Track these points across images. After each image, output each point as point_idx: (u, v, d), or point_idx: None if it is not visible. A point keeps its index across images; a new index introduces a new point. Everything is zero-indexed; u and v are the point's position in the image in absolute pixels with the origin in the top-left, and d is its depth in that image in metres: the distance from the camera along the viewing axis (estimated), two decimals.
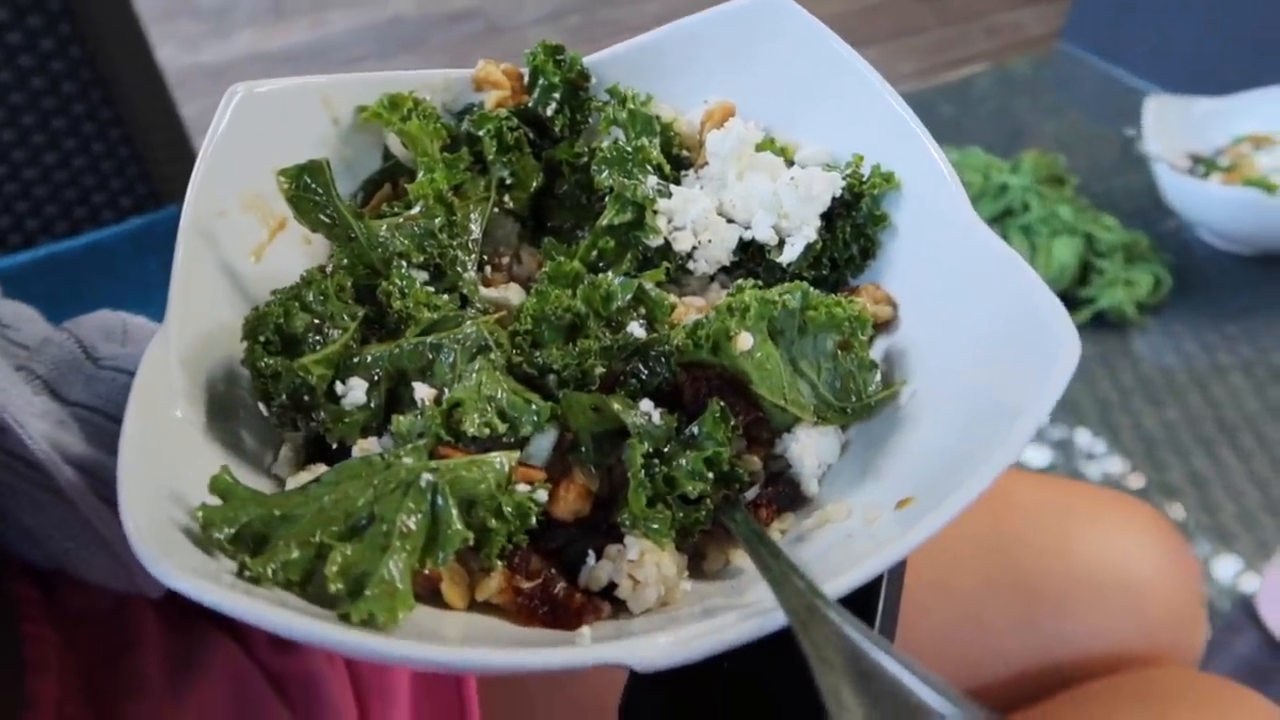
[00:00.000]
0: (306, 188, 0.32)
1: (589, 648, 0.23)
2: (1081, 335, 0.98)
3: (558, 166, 0.39)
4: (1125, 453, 0.90)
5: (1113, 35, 1.92)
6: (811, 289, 0.32)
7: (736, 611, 0.23)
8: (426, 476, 0.25)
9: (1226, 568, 0.82)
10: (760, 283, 0.34)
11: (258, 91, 0.34)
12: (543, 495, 0.27)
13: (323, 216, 0.33)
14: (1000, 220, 1.08)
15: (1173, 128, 1.13)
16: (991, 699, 0.45)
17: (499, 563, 0.27)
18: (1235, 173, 1.08)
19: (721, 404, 0.29)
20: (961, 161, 1.16)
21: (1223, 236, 1.10)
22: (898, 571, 0.28)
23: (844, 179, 0.35)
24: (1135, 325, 1.03)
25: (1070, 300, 1.05)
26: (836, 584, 0.22)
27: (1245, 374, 0.97)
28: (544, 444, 0.29)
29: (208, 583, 0.21)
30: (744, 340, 0.29)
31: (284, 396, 0.28)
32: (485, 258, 0.37)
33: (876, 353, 0.33)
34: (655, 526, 0.27)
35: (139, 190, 1.07)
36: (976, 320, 0.29)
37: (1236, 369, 0.98)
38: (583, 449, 0.29)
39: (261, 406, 0.29)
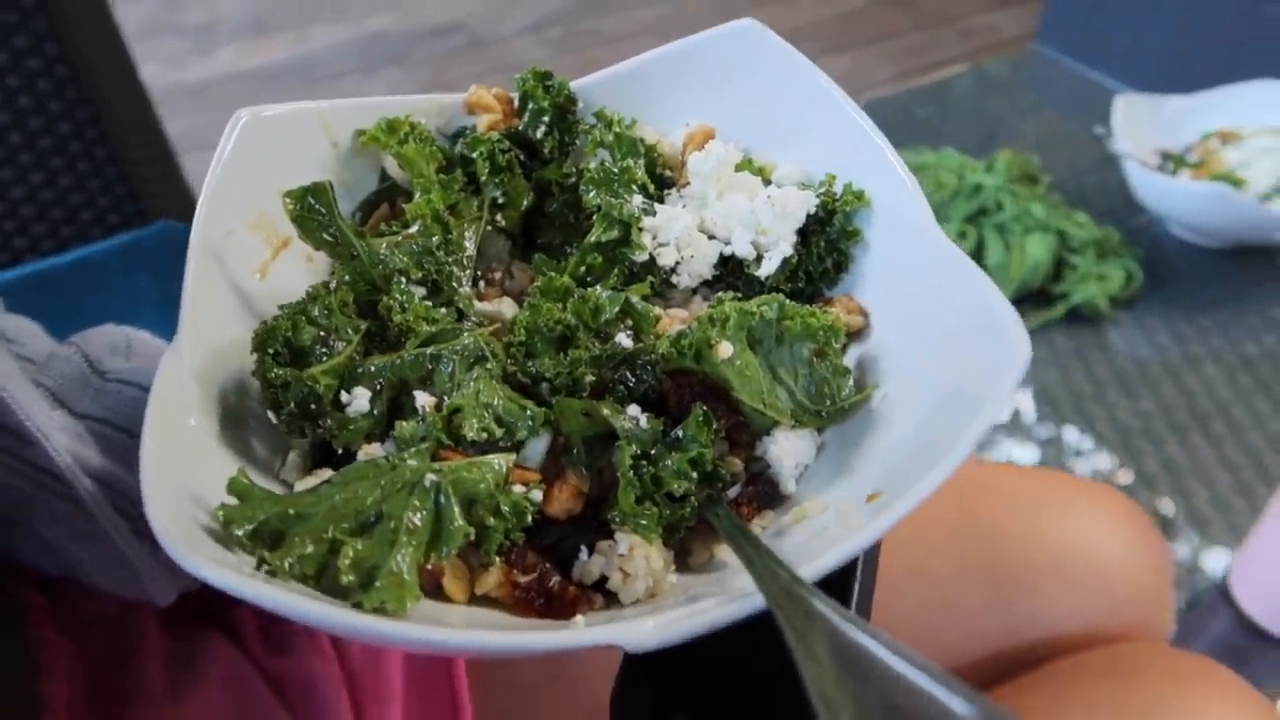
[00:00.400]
0: (310, 208, 0.34)
1: (582, 630, 0.24)
2: (1056, 330, 1.01)
3: (547, 186, 0.41)
4: (1103, 443, 0.93)
5: (1086, 37, 1.97)
6: (788, 301, 0.34)
7: (720, 596, 0.25)
8: (430, 477, 0.27)
9: (1201, 552, 0.85)
10: (740, 295, 0.36)
11: (262, 116, 0.36)
12: (538, 495, 0.29)
13: (326, 235, 0.34)
14: (975, 219, 1.11)
15: (1142, 126, 1.16)
16: (966, 678, 0.47)
17: (497, 558, 0.28)
18: (1204, 168, 1.12)
19: (704, 408, 0.31)
20: (938, 162, 1.19)
21: (1192, 230, 1.13)
22: (872, 557, 0.30)
23: (818, 197, 0.37)
24: (1109, 319, 1.06)
25: (1045, 296, 1.08)
26: (810, 569, 0.24)
27: (1216, 363, 1.00)
28: (538, 447, 0.31)
29: (234, 574, 0.22)
30: (724, 349, 0.31)
31: (293, 405, 0.30)
32: (479, 273, 0.39)
33: (850, 359, 0.35)
34: (644, 522, 0.29)
35: (126, 208, 1.09)
36: (940, 326, 0.31)
37: (1208, 359, 1.01)
38: (575, 451, 0.31)
39: (271, 415, 0.31)
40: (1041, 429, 0.96)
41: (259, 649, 0.45)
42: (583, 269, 0.37)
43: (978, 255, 1.09)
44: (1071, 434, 0.95)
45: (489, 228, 0.40)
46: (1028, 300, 1.07)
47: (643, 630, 0.23)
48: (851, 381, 0.33)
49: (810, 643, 0.21)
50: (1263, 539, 0.75)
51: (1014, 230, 1.09)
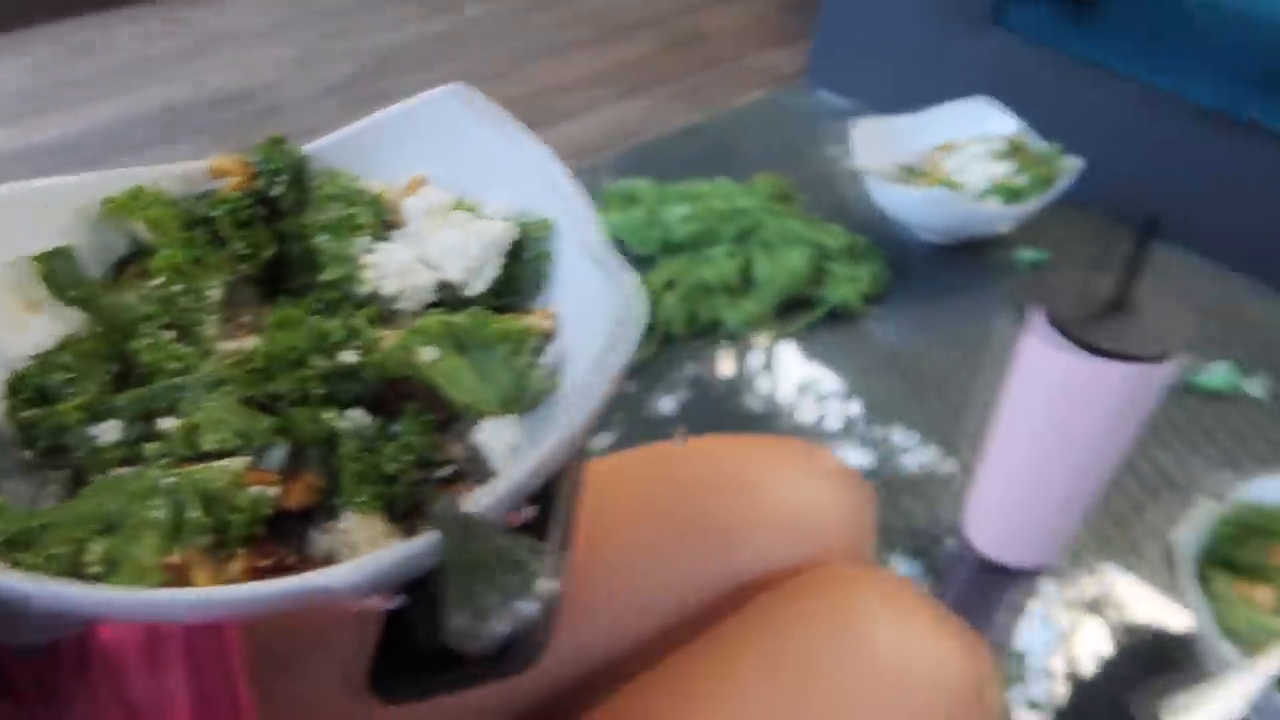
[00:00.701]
0: (58, 269, 0.39)
1: (292, 579, 0.30)
2: (820, 328, 1.18)
3: (287, 236, 0.47)
4: (930, 437, 1.05)
5: (844, 70, 2.19)
6: (488, 312, 0.41)
7: (412, 541, 0.31)
8: (169, 480, 0.32)
9: (948, 507, 0.98)
10: (449, 311, 0.43)
11: (5, 194, 0.40)
12: (274, 491, 0.35)
13: (75, 292, 0.39)
14: (744, 238, 1.24)
15: (881, 144, 1.34)
16: (689, 631, 0.54)
17: (241, 549, 0.34)
18: (930, 177, 1.29)
19: (416, 405, 0.37)
20: (710, 191, 1.32)
21: (926, 230, 1.30)
22: (564, 514, 0.37)
23: (517, 226, 0.45)
24: (863, 315, 1.20)
25: (808, 300, 1.21)
26: (471, 505, 0.31)
27: (952, 344, 1.16)
28: (277, 454, 0.36)
29: None
30: (425, 354, 0.38)
31: (45, 441, 0.34)
32: (227, 318, 0.44)
33: (547, 358, 0.42)
34: (363, 500, 0.35)
35: None
36: (602, 315, 0.39)
37: (947, 341, 1.16)
38: (309, 453, 0.37)
39: (26, 453, 0.35)
40: (872, 430, 1.07)
41: (36, 704, 0.47)
42: (319, 305, 0.43)
43: (747, 270, 1.22)
44: (899, 433, 1.07)
45: (234, 277, 0.45)
46: (794, 305, 1.20)
47: (340, 572, 0.29)
48: (544, 374, 0.41)
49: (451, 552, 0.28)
50: (983, 482, 0.88)
51: (777, 245, 1.22)
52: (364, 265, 0.44)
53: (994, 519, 0.88)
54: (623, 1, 3.03)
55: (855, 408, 1.09)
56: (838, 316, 1.19)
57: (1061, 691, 0.81)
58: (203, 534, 0.32)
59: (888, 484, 1.00)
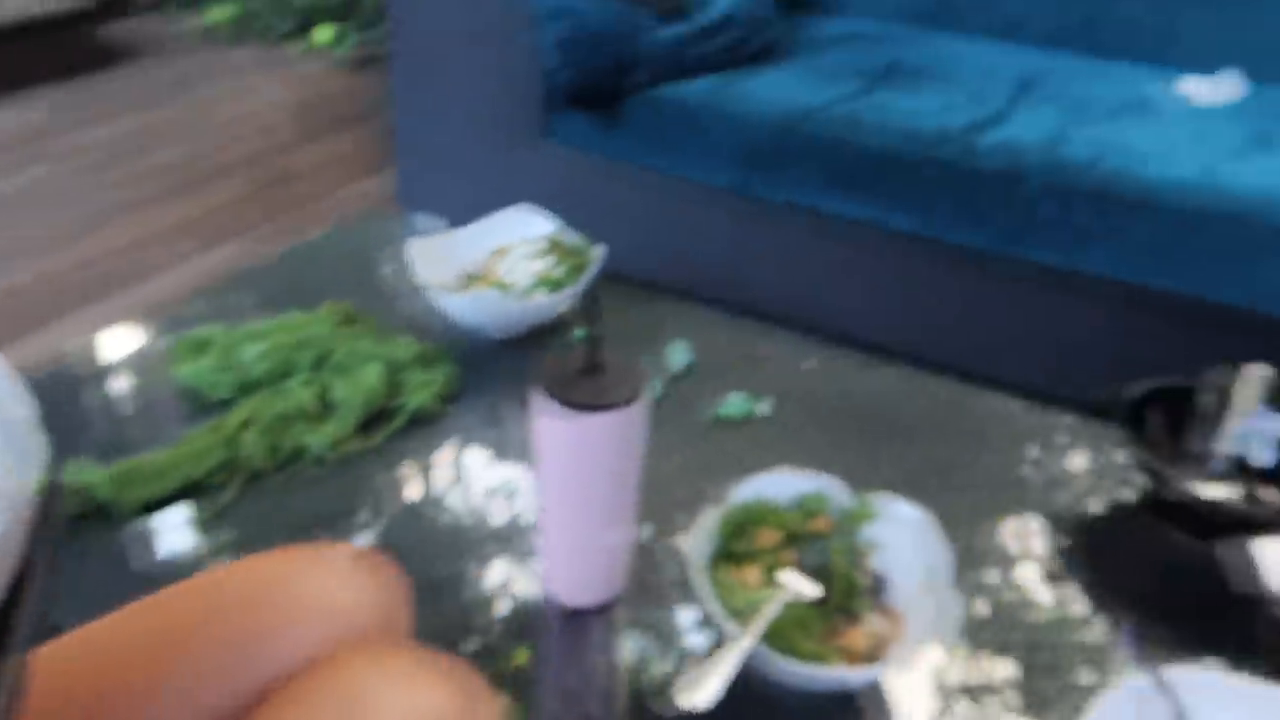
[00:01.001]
0: None
1: None
2: (403, 435, 1.26)
3: None
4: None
5: (428, 191, 2.35)
6: None
7: None
8: None
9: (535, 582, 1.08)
10: None
11: None
12: None
13: None
14: (319, 365, 1.29)
15: (440, 258, 1.46)
16: None
17: None
18: (486, 280, 1.44)
19: None
20: (279, 326, 1.36)
21: (492, 329, 1.44)
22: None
23: None
24: (441, 415, 1.30)
25: (389, 411, 1.28)
26: None
27: (515, 425, 1.28)
28: None
29: None
30: None
31: None
32: None
33: None
34: None
35: None
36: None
37: (516, 421, 1.28)
38: None
39: None
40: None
41: None
42: None
43: (325, 395, 1.27)
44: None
45: None
46: (377, 419, 1.27)
47: None
48: None
49: None
50: (542, 543, 1.00)
51: (351, 366, 1.29)
52: None
53: (560, 571, 1.00)
54: (205, 150, 2.96)
55: (441, 500, 1.17)
56: (419, 421, 1.28)
57: (616, 708, 0.92)
58: None
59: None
